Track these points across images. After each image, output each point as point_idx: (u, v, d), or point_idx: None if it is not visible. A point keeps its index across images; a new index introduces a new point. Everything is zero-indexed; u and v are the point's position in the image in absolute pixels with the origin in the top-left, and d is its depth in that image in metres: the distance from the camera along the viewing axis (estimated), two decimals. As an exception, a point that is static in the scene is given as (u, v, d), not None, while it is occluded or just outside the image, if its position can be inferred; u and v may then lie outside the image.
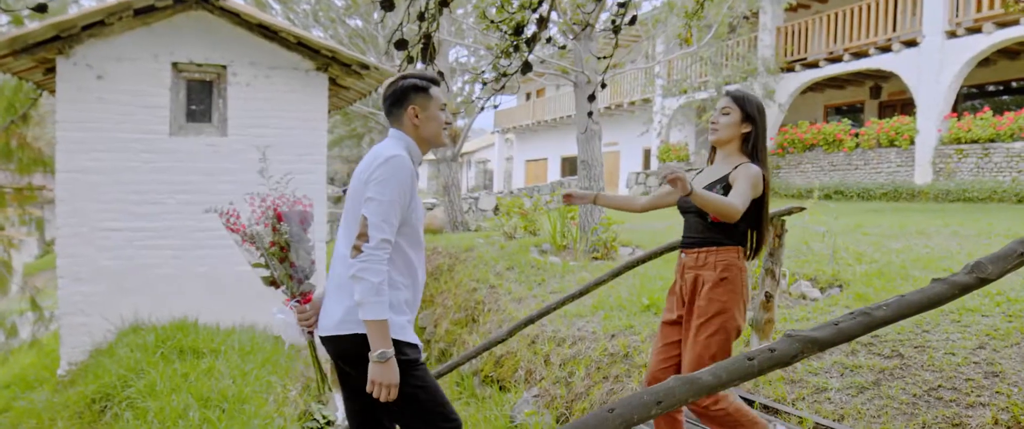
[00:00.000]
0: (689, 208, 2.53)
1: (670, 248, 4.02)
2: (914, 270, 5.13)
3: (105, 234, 6.33)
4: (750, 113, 2.43)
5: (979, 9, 11.72)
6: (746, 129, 2.44)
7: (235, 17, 6.35)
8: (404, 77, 2.14)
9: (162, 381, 5.03)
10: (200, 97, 6.57)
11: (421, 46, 2.17)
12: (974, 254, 5.54)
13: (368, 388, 1.93)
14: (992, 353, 3.48)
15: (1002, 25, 11.41)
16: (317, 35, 13.83)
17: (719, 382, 1.47)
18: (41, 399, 6.03)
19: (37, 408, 5.71)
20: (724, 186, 2.37)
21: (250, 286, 6.75)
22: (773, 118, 15.69)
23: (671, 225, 9.26)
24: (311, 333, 2.21)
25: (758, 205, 2.41)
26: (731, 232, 2.40)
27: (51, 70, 6.22)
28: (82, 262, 6.28)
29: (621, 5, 2.82)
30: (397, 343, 1.99)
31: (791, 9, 15.77)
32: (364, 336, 1.94)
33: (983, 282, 2.29)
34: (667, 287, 5.73)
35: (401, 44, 2.07)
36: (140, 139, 6.31)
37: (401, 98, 2.11)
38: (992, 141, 11.51)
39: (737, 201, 2.26)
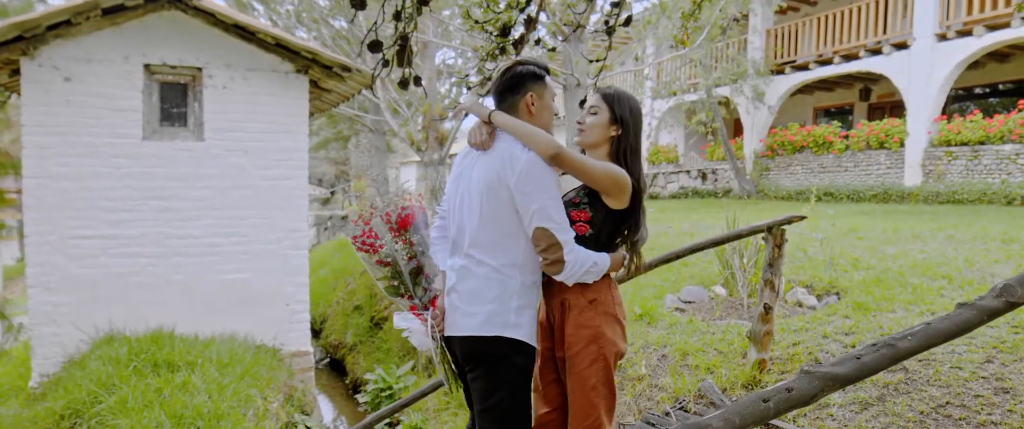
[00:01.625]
0: None
1: (666, 260, 3.85)
2: (912, 277, 5.00)
3: (76, 242, 6.09)
4: (620, 115, 2.14)
5: (970, 12, 11.69)
6: (614, 132, 2.15)
7: (210, 17, 6.11)
8: (520, 63, 2.10)
9: (134, 397, 4.82)
10: (174, 100, 6.33)
11: (397, 48, 1.98)
12: (971, 260, 5.43)
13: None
14: (1001, 367, 3.34)
15: (992, 28, 11.39)
16: (300, 36, 13.58)
17: (732, 427, 1.29)
18: (9, 413, 5.79)
19: (4, 423, 5.47)
20: (587, 193, 2.10)
21: (230, 295, 6.60)
22: (763, 120, 15.62)
23: (663, 230, 9.11)
24: (445, 338, 2.19)
25: (625, 217, 2.13)
26: (596, 249, 2.11)
27: (17, 72, 5.96)
28: (52, 270, 6.05)
29: (615, 5, 2.64)
30: (525, 347, 2.05)
31: (780, 11, 15.71)
32: (501, 338, 2.00)
33: (1012, 306, 2.12)
34: (661, 295, 5.61)
35: (375, 46, 1.89)
36: (111, 143, 6.07)
37: (518, 85, 2.08)
38: (982, 143, 11.48)
39: (564, 145, 2.00)
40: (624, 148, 2.14)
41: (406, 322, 2.17)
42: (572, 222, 2.06)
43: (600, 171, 2.02)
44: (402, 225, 2.14)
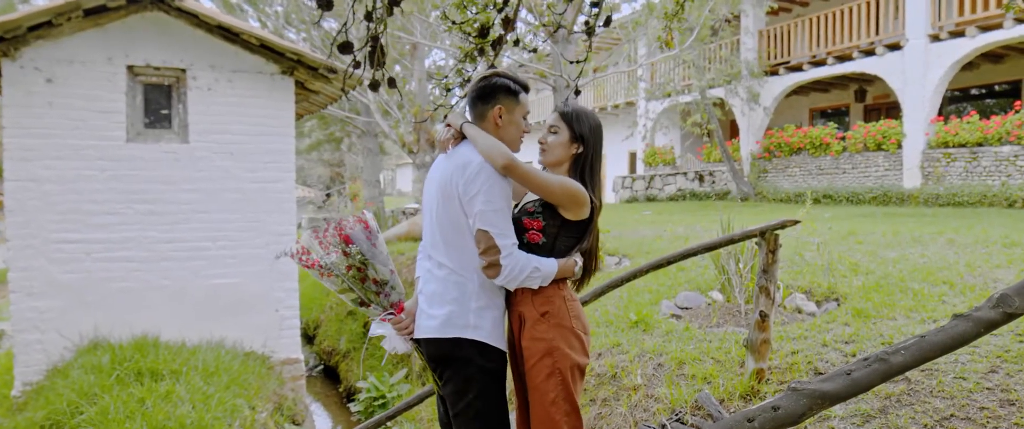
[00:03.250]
0: None
1: (657, 265, 3.74)
2: (913, 282, 4.90)
3: (59, 246, 5.96)
4: (581, 133, 2.18)
5: (961, 12, 11.63)
6: (576, 150, 2.18)
7: (193, 18, 6.00)
8: (497, 74, 2.12)
9: (116, 407, 4.69)
10: (159, 102, 6.21)
11: (368, 50, 1.87)
12: (973, 265, 5.33)
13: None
14: (1006, 378, 3.23)
15: (985, 29, 11.33)
16: (290, 38, 13.46)
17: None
18: (-12, 423, 5.67)
19: (-18, 434, 5.35)
20: (543, 202, 2.11)
21: (217, 300, 6.47)
22: (758, 122, 15.54)
23: (658, 234, 9.01)
24: (415, 340, 2.20)
25: (580, 230, 2.15)
26: (549, 257, 2.13)
27: (-1, 73, 5.85)
28: (35, 276, 5.92)
29: (594, 5, 2.55)
30: (489, 349, 2.05)
31: (772, 12, 15.64)
32: (461, 340, 2.01)
33: (1010, 317, 2.03)
34: (657, 300, 5.49)
35: (345, 47, 1.78)
36: (95, 146, 5.95)
37: (489, 95, 2.09)
38: (980, 145, 11.41)
39: (519, 161, 2.02)
40: (584, 165, 2.18)
41: (380, 329, 2.19)
42: (525, 230, 2.10)
43: (554, 184, 2.04)
44: (344, 238, 2.12)
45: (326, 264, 2.11)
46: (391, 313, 2.19)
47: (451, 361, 2.06)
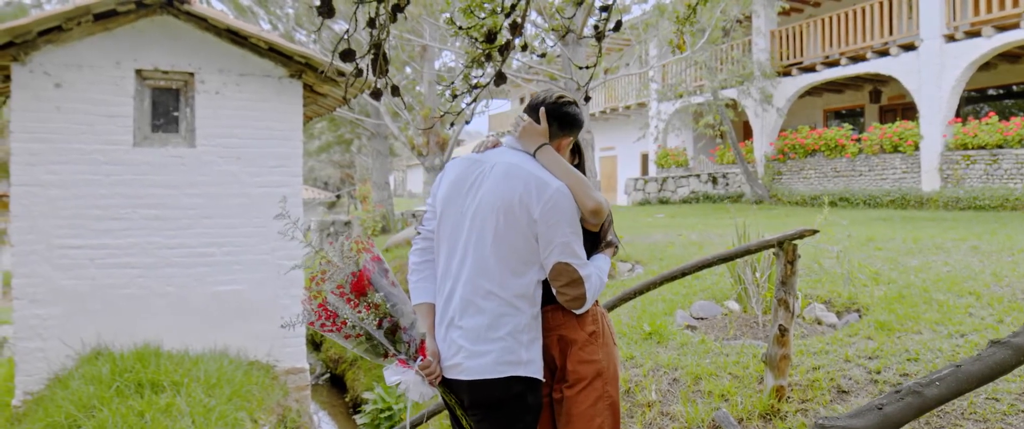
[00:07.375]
0: None
1: (672, 276, 3.60)
2: (937, 292, 4.73)
3: (64, 252, 5.89)
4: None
5: (977, 12, 11.41)
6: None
7: (202, 22, 5.94)
8: (575, 104, 2.03)
9: (114, 420, 4.58)
10: (166, 106, 6.15)
11: (372, 57, 1.76)
12: (999, 274, 5.15)
13: None
14: (1042, 399, 3.07)
15: (1001, 29, 11.09)
16: (300, 40, 13.42)
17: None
18: (-14, 435, 5.60)
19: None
20: None
21: (222, 307, 6.38)
22: (772, 123, 15.34)
23: (672, 239, 8.85)
24: (446, 382, 1.97)
25: (597, 235, 2.08)
26: None
27: (8, 78, 5.80)
28: (39, 282, 5.85)
29: (603, 9, 2.43)
30: (537, 384, 1.91)
31: (784, 13, 15.44)
32: (514, 379, 1.84)
33: (1051, 344, 1.91)
34: (671, 310, 5.35)
35: (347, 55, 1.68)
36: (102, 150, 5.89)
37: (571, 125, 2.01)
38: (1000, 147, 11.17)
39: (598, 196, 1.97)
40: (580, 163, 2.15)
41: (398, 375, 1.95)
42: None
43: (606, 210, 1.99)
44: (359, 290, 1.90)
45: (355, 324, 1.88)
46: (416, 359, 1.94)
47: (501, 404, 1.85)
